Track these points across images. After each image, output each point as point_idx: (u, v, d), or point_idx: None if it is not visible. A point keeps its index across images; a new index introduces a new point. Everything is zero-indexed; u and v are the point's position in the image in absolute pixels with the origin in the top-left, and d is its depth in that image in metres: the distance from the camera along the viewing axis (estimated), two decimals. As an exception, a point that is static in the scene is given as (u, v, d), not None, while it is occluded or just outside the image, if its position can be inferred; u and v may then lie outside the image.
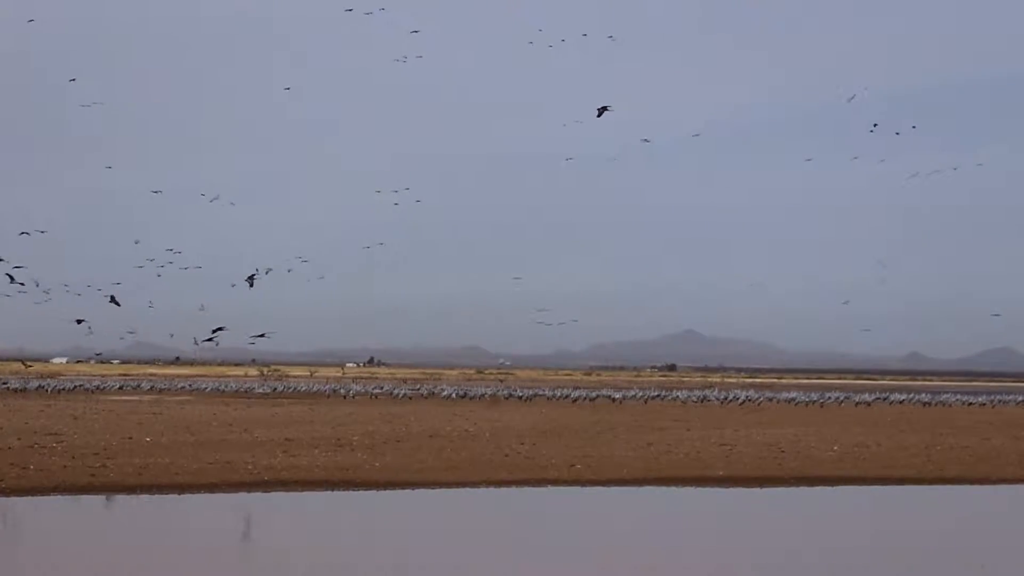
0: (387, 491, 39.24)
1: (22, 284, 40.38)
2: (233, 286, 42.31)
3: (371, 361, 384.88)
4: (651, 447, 54.60)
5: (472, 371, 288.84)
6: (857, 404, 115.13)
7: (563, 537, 31.92)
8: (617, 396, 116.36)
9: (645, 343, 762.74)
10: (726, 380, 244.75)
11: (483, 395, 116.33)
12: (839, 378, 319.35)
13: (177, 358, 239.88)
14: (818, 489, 42.85)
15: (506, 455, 49.36)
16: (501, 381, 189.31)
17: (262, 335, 43.03)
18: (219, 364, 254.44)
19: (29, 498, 35.75)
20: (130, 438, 53.36)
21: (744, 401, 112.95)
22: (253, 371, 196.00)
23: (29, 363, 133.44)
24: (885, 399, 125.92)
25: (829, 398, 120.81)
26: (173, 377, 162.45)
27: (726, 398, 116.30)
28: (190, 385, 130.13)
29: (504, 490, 40.41)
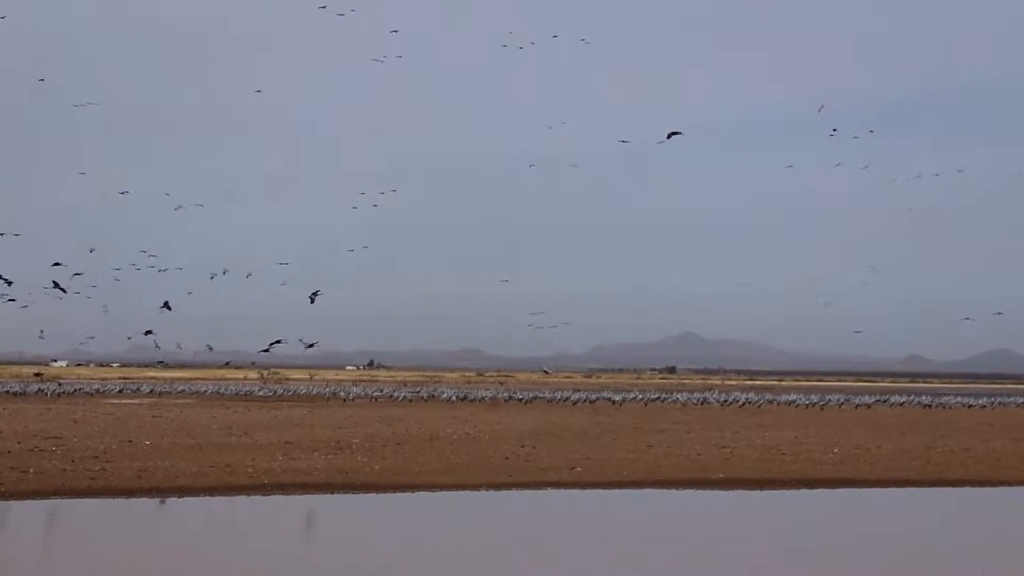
0: (387, 494, 39.23)
1: (69, 292, 40.10)
2: (209, 279, 42.16)
3: (371, 364, 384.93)
4: (651, 449, 54.58)
5: (472, 373, 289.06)
6: (857, 406, 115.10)
7: (563, 539, 31.87)
8: (617, 398, 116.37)
9: (645, 345, 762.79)
10: (726, 382, 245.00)
11: (483, 398, 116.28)
12: (839, 380, 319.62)
13: (160, 362, 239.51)
14: (818, 492, 42.82)
15: (506, 457, 49.34)
16: (501, 384, 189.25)
17: (277, 342, 43.19)
18: (220, 367, 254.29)
19: (29, 501, 35.71)
20: (130, 441, 53.33)
21: (744, 403, 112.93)
22: (253, 374, 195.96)
23: (39, 373, 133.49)
24: (885, 401, 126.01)
25: (829, 400, 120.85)
26: (173, 380, 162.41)
27: (726, 400, 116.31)
28: (190, 388, 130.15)
29: (504, 492, 40.38)
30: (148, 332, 46.54)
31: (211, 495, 37.83)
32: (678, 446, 56.73)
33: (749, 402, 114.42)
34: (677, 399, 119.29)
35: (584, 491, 41.03)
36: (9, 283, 39.52)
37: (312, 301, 42.82)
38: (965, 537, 34.52)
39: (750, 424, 78.64)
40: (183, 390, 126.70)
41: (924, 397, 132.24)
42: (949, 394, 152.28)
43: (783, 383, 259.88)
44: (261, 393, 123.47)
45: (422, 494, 39.38)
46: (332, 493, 39.06)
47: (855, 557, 30.03)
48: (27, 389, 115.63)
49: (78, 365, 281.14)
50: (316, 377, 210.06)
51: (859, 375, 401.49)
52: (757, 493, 41.88)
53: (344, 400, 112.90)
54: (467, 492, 40.18)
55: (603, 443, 58.12)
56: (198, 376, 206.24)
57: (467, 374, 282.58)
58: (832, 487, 43.70)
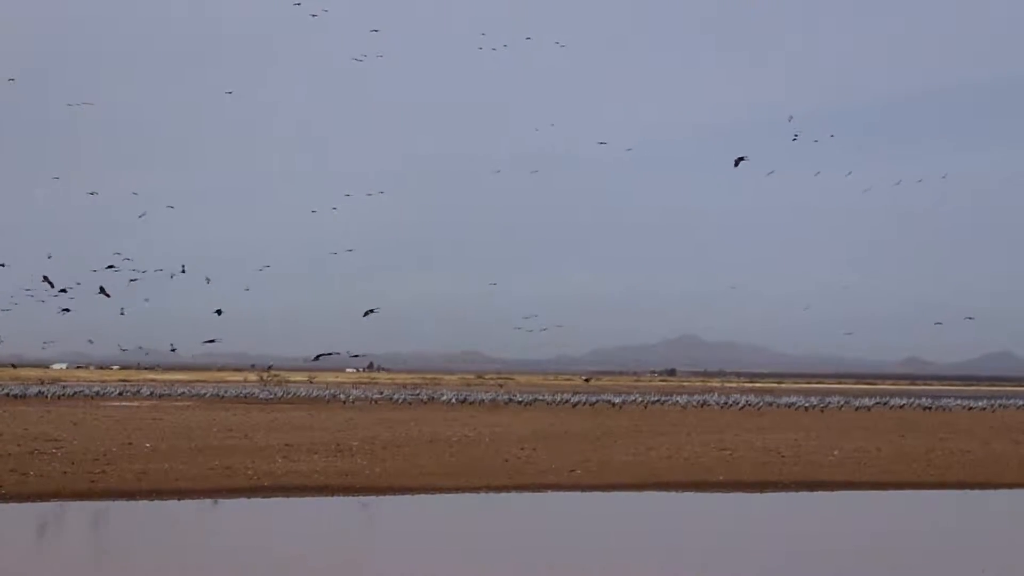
0: (387, 496, 39.23)
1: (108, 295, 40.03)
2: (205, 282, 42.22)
3: (370, 366, 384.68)
4: (651, 452, 54.58)
5: (472, 376, 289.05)
6: (857, 409, 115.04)
7: (563, 542, 31.87)
8: (617, 401, 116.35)
9: (645, 348, 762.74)
10: (726, 385, 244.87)
11: (483, 400, 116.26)
12: (839, 383, 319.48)
13: (138, 363, 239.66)
14: (818, 494, 42.84)
15: (506, 460, 49.34)
16: (501, 386, 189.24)
17: (329, 354, 43.86)
18: (218, 369, 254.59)
19: (29, 504, 35.72)
20: (130, 444, 53.33)
21: (744, 406, 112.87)
22: (253, 376, 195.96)
23: (14, 364, 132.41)
24: (885, 403, 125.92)
25: (829, 403, 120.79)
26: (173, 383, 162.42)
27: (726, 403, 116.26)
28: (190, 391, 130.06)
29: (504, 495, 40.38)
30: (211, 340, 46.90)
31: (211, 497, 37.84)
32: (678, 448, 56.73)
33: (749, 404, 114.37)
34: (677, 402, 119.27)
35: (584, 494, 41.03)
36: (54, 286, 39.39)
37: (366, 315, 43.24)
38: (965, 539, 34.53)
39: (750, 426, 78.64)
40: (183, 392, 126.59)
41: (924, 399, 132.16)
42: (949, 396, 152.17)
43: (783, 385, 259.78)
44: (261, 396, 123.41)
45: (422, 496, 39.39)
46: (332, 495, 39.06)
47: (855, 559, 30.04)
48: (27, 391, 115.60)
49: (78, 367, 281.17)
50: (316, 379, 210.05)
51: (859, 377, 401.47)
52: (757, 495, 41.89)
53: (344, 402, 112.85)
54: (467, 494, 40.19)
55: (603, 445, 58.12)
56: (198, 378, 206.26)
57: (467, 376, 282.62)
58: (832, 489, 43.72)
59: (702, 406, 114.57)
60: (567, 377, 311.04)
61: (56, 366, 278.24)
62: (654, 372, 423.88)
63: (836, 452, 56.55)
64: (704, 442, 61.53)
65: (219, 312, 46.54)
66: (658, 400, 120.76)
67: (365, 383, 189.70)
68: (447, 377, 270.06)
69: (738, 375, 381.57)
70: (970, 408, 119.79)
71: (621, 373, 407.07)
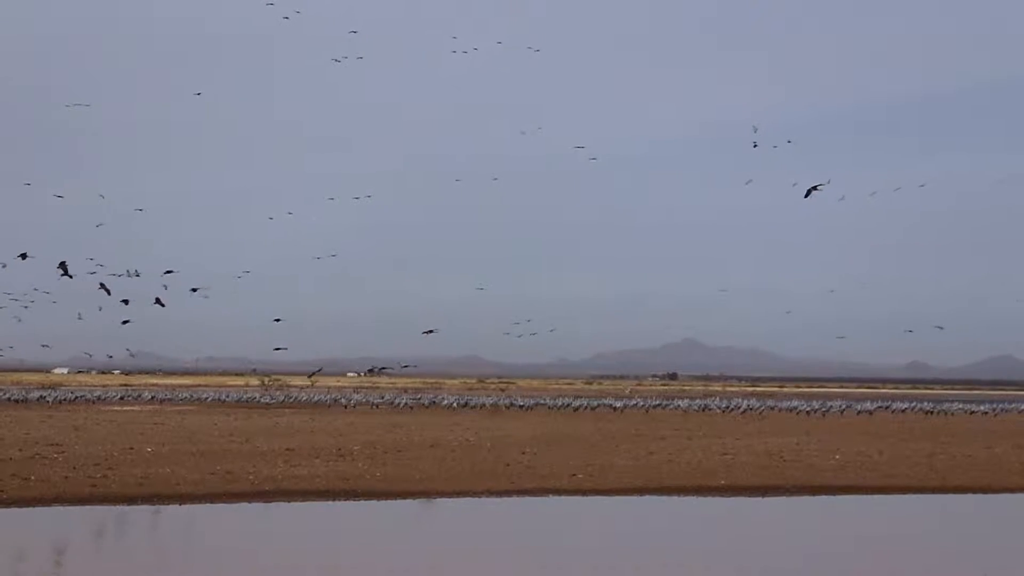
0: (388, 500, 39.21)
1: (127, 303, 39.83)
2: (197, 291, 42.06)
3: (372, 371, 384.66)
4: (652, 456, 54.56)
5: (473, 380, 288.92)
6: (859, 413, 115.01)
7: (564, 546, 31.85)
8: (618, 405, 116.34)
9: (646, 352, 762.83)
10: (727, 389, 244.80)
11: (484, 405, 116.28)
12: (841, 387, 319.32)
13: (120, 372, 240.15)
14: (820, 498, 42.81)
15: (507, 464, 49.32)
16: (502, 391, 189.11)
17: (382, 368, 43.82)
18: (220, 374, 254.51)
19: (31, 509, 35.71)
20: (131, 448, 53.33)
21: (746, 410, 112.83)
22: (254, 381, 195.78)
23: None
24: (887, 408, 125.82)
25: (831, 407, 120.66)
26: (174, 387, 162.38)
27: (727, 407, 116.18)
28: (191, 395, 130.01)
29: (505, 499, 40.36)
30: (128, 349, 46.69)
31: (213, 502, 37.82)
32: (680, 453, 56.70)
33: (750, 409, 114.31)
34: (678, 406, 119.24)
35: (585, 498, 41.01)
36: (111, 293, 39.21)
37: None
38: (967, 544, 34.49)
39: (751, 431, 78.60)
40: (184, 397, 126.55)
41: (926, 403, 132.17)
42: (951, 400, 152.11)
43: (784, 389, 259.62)
44: (262, 400, 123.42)
45: (423, 501, 39.37)
46: (333, 500, 39.05)
47: (857, 564, 30.01)
48: (28, 396, 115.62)
49: (79, 372, 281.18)
50: (317, 384, 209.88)
51: (861, 381, 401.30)
52: (759, 500, 41.84)
53: (345, 407, 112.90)
54: (468, 499, 40.17)
55: (604, 450, 58.10)
56: (199, 383, 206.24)
57: (468, 381, 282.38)
58: (834, 494, 43.68)
59: (703, 410, 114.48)
60: (568, 381, 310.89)
61: (57, 371, 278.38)
62: (655, 376, 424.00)
63: (838, 456, 56.52)
64: (705, 446, 61.50)
65: (278, 320, 46.73)
66: (659, 404, 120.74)
67: (366, 387, 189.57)
68: (448, 381, 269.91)
69: (739, 379, 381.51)
70: (972, 412, 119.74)
71: (622, 377, 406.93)
